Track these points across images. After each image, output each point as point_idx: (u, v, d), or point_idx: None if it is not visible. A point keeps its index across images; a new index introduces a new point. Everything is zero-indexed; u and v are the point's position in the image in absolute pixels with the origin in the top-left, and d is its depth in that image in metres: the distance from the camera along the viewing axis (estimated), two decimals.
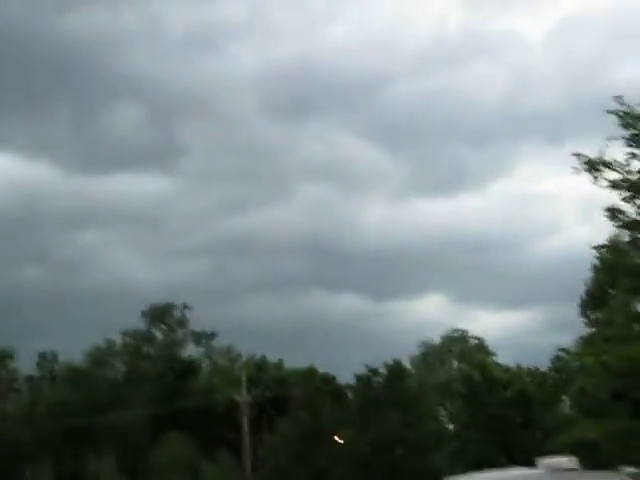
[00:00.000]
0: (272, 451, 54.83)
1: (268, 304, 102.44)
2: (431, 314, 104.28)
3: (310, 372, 64.86)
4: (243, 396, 58.13)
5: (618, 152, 24.67)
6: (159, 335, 75.36)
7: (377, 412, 53.78)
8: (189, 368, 68.52)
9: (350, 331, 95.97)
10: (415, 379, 65.02)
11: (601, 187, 24.38)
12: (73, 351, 72.46)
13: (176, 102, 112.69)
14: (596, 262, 33.79)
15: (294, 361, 70.00)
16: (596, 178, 24.16)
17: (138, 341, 73.41)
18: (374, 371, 57.53)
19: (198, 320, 75.40)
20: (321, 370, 67.12)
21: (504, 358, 67.61)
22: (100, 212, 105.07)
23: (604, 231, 27.46)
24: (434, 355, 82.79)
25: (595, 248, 28.57)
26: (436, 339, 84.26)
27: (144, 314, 74.52)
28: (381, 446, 53.38)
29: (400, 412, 54.10)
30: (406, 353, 75.52)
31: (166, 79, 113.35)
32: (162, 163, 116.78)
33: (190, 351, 75.04)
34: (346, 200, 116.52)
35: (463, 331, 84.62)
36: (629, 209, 25.00)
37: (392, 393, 54.87)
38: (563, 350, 52.98)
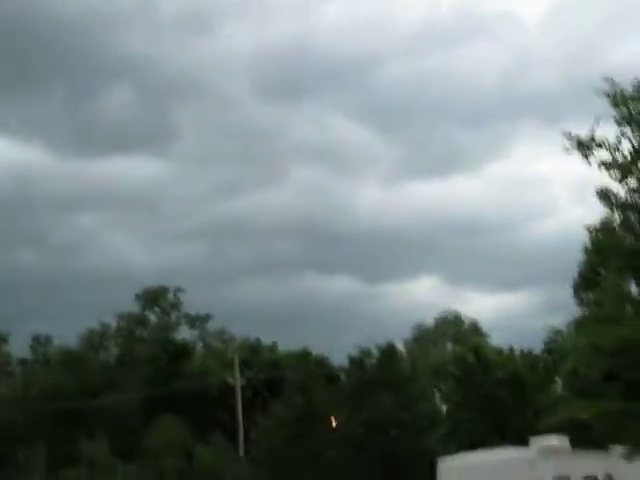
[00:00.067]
0: (265, 434, 54.94)
1: (262, 287, 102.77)
2: (425, 296, 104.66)
3: (304, 355, 64.92)
4: (237, 379, 58.26)
5: (610, 133, 24.59)
6: (153, 318, 75.39)
7: (370, 394, 53.88)
8: (183, 351, 68.61)
9: (344, 313, 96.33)
10: (408, 361, 65.12)
11: (592, 167, 24.31)
12: (67, 334, 72.60)
13: (170, 84, 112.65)
14: (588, 243, 33.75)
15: (288, 343, 70.19)
16: (587, 157, 24.08)
17: (132, 324, 73.43)
18: (367, 353, 57.62)
19: (192, 303, 75.56)
20: (315, 352, 67.21)
21: (498, 340, 67.88)
22: (94, 195, 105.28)
23: (598, 213, 27.42)
24: (427, 337, 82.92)
25: (587, 229, 28.38)
26: (430, 321, 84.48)
27: (138, 297, 74.59)
28: (375, 428, 53.48)
29: (393, 394, 54.20)
30: (400, 335, 75.80)
31: (160, 60, 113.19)
32: (156, 145, 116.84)
33: (184, 334, 75.18)
34: (339, 182, 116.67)
35: (457, 313, 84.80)
36: (620, 190, 24.95)
37: (385, 375, 54.98)
38: (556, 331, 53.12)
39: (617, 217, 26.52)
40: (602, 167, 24.24)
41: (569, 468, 26.14)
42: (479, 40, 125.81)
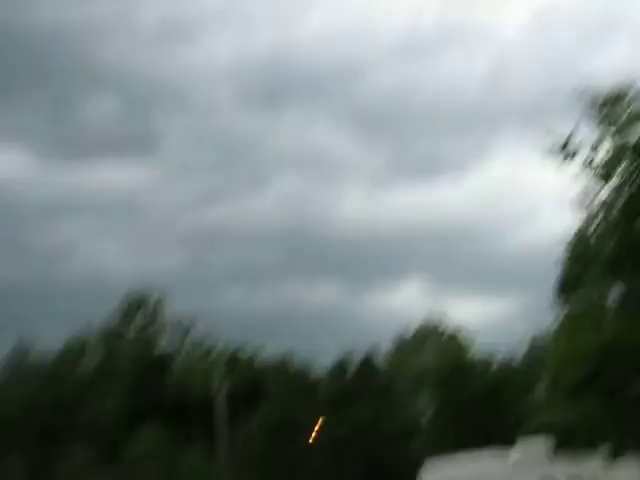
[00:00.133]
0: (246, 442, 54.63)
1: (245, 294, 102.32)
2: (409, 302, 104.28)
3: (285, 362, 64.65)
4: (218, 387, 57.93)
5: (586, 139, 24.65)
6: (135, 325, 74.92)
7: (351, 402, 53.72)
8: (164, 359, 68.19)
9: (327, 320, 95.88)
10: (390, 369, 64.94)
11: (569, 172, 24.36)
12: (48, 343, 72.02)
13: (152, 92, 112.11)
14: (566, 249, 33.72)
15: (271, 351, 69.85)
16: (564, 162, 24.14)
17: (113, 331, 72.96)
18: (347, 361, 57.44)
19: (175, 310, 75.13)
20: (297, 360, 66.96)
21: (481, 345, 67.76)
22: (77, 202, 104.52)
23: (578, 219, 27.38)
24: (411, 342, 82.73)
25: (565, 234, 28.36)
26: (413, 326, 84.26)
27: (120, 304, 74.19)
28: (356, 436, 53.30)
29: (374, 402, 54.06)
30: (384, 341, 75.54)
31: (142, 69, 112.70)
32: (139, 153, 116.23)
33: (166, 341, 74.66)
34: (322, 189, 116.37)
35: (440, 318, 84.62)
36: (601, 192, 24.96)
37: (366, 381, 54.83)
38: (537, 337, 53.07)
39: (596, 221, 26.54)
40: (582, 168, 24.27)
41: (554, 470, 26.00)
42: (461, 49, 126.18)
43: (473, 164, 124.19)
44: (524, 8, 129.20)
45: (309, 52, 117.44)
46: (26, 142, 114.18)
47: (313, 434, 55.11)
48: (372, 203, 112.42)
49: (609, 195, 24.86)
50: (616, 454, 24.83)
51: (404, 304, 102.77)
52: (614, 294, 28.61)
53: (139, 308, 75.40)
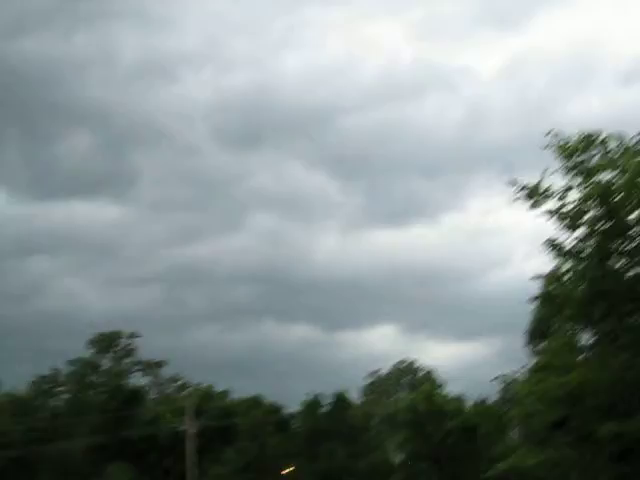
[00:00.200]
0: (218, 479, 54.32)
1: (219, 333, 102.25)
2: (382, 345, 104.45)
3: (256, 402, 64.37)
4: (189, 426, 57.52)
5: (557, 184, 25.05)
6: (105, 364, 74.48)
7: (323, 443, 53.55)
8: (134, 397, 67.66)
9: (301, 361, 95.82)
10: (363, 410, 64.86)
11: (540, 217, 24.74)
12: (18, 380, 71.44)
13: (129, 130, 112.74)
14: (538, 293, 34.05)
15: (244, 391, 69.63)
16: (534, 207, 24.53)
17: (84, 370, 72.41)
18: (318, 402, 57.31)
19: (147, 349, 74.83)
20: (270, 400, 66.69)
21: (454, 389, 67.82)
22: (51, 240, 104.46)
23: (550, 263, 27.69)
24: (383, 385, 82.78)
25: (536, 278, 28.61)
26: (386, 370, 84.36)
27: (91, 342, 73.75)
28: (328, 477, 53.11)
29: (347, 443, 53.95)
30: (356, 383, 75.55)
31: (119, 107, 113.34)
32: (114, 191, 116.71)
33: (137, 380, 74.29)
34: (298, 230, 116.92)
35: (413, 362, 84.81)
36: (566, 239, 25.37)
37: (338, 424, 54.72)
38: (510, 381, 53.20)
39: (567, 266, 26.89)
40: (550, 216, 24.65)
41: None
42: (436, 93, 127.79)
43: (447, 207, 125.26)
44: (500, 53, 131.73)
45: (287, 93, 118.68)
46: (1, 180, 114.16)
47: (286, 471, 54.83)
48: (347, 245, 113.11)
49: (577, 242, 25.24)
50: None
51: (377, 346, 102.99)
52: (584, 339, 28.90)
53: (111, 345, 75.03)
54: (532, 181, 25.11)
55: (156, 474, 58.62)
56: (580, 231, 25.27)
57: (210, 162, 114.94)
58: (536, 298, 32.92)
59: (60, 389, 72.00)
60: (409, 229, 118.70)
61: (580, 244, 25.49)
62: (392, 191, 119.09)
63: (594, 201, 24.29)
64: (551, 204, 24.63)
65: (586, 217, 24.64)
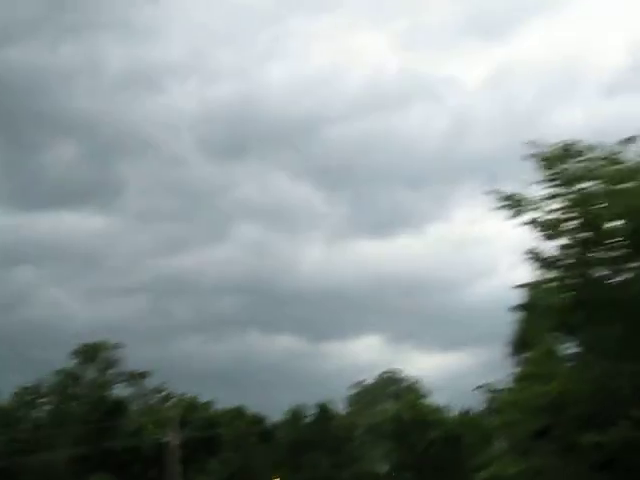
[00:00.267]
0: None
1: (204, 344, 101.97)
2: (367, 355, 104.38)
3: (239, 412, 64.20)
4: (172, 437, 57.35)
5: (538, 194, 25.11)
6: (89, 374, 74.16)
7: (307, 453, 53.43)
8: (117, 408, 67.44)
9: (286, 372, 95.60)
10: (347, 420, 64.73)
11: (520, 226, 24.81)
12: (3, 390, 71.10)
13: (115, 140, 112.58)
14: (520, 302, 34.12)
15: (229, 402, 69.38)
16: (514, 217, 24.61)
17: (67, 380, 72.09)
18: (301, 412, 57.21)
19: (132, 359, 74.56)
20: (254, 411, 66.47)
21: (439, 399, 67.74)
22: (36, 249, 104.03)
23: (534, 273, 27.72)
24: (368, 396, 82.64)
25: (518, 288, 28.64)
26: (371, 380, 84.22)
27: (75, 353, 73.48)
28: None
29: (331, 453, 53.84)
30: (341, 394, 75.38)
31: (105, 117, 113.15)
32: (100, 201, 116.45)
33: (121, 391, 73.99)
34: (283, 241, 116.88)
35: (398, 372, 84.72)
36: (547, 249, 25.44)
37: (321, 434, 54.62)
38: (495, 391, 53.16)
39: (548, 275, 26.95)
40: (531, 226, 24.73)
41: None
42: (422, 103, 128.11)
43: (433, 217, 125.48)
44: (485, 64, 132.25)
45: (272, 104, 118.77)
46: None
47: None
48: (332, 255, 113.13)
49: (558, 252, 25.33)
50: None
51: (362, 356, 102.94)
52: (566, 348, 28.96)
53: (95, 355, 74.73)
54: (513, 191, 25.21)
55: None
56: (560, 240, 25.35)
57: (195, 172, 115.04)
58: (518, 308, 33.07)
59: (43, 400, 71.66)
60: (394, 239, 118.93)
61: (561, 253, 25.57)
62: (377, 201, 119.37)
63: (574, 210, 24.38)
64: (532, 214, 24.70)
65: (566, 226, 24.71)
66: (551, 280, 26.55)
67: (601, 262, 25.35)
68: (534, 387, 26.83)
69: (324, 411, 57.25)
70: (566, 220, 24.69)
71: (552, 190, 24.54)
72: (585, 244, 24.96)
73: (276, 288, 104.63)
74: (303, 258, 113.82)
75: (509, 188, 25.23)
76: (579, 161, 25.08)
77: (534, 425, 26.62)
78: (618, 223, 24.80)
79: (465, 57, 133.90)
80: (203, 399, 70.05)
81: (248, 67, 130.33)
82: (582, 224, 24.57)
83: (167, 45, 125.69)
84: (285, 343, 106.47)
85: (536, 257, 26.20)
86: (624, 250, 25.03)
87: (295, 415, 58.23)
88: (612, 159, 25.20)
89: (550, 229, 24.69)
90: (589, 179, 24.84)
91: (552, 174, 24.37)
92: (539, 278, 27.41)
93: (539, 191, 25.29)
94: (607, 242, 24.89)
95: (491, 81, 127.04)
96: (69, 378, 72.41)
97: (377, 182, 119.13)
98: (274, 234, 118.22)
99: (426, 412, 54.74)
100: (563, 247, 25.50)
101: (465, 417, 55.38)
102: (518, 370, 37.19)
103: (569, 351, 28.77)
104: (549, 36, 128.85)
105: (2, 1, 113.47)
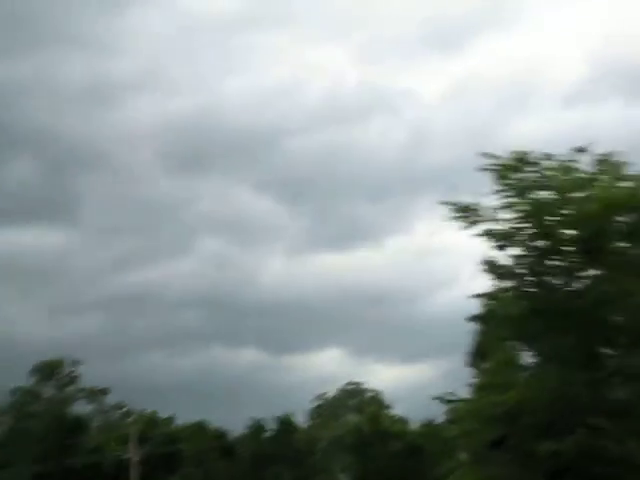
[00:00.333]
0: None
1: (167, 359, 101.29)
2: (330, 368, 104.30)
3: (200, 428, 63.79)
4: (133, 453, 56.86)
5: (493, 204, 25.26)
6: (48, 392, 73.38)
7: (269, 467, 53.21)
8: (77, 425, 66.74)
9: (249, 386, 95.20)
10: (309, 433, 64.56)
11: (475, 236, 24.93)
12: None
13: (73, 155, 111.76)
14: (477, 312, 34.23)
15: (192, 417, 68.92)
16: (468, 227, 24.72)
17: (24, 399, 71.26)
18: (262, 426, 56.98)
19: (94, 376, 73.88)
20: (216, 425, 66.09)
21: (402, 411, 67.74)
22: None
23: (492, 283, 27.81)
24: (330, 408, 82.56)
25: (475, 298, 28.67)
26: (333, 393, 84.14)
27: (33, 371, 72.74)
28: None
29: (293, 467, 53.67)
30: (304, 407, 75.21)
31: (62, 131, 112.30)
32: (58, 217, 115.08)
33: (81, 408, 73.25)
34: (245, 254, 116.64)
35: (360, 384, 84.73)
36: (503, 259, 25.58)
37: (283, 448, 54.43)
38: (450, 401, 53.28)
39: (504, 285, 27.08)
40: (485, 236, 24.85)
41: None
42: (380, 116, 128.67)
43: (392, 230, 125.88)
44: (443, 77, 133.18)
45: (231, 116, 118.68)
46: None
47: None
48: (293, 268, 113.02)
49: (512, 262, 25.47)
50: None
51: (325, 369, 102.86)
52: (524, 357, 29.08)
53: (54, 372, 74.00)
54: (471, 201, 25.33)
55: None
56: (515, 250, 25.51)
57: (156, 187, 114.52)
58: (475, 318, 33.21)
59: (2, 414, 70.79)
60: (355, 251, 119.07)
61: (516, 263, 25.71)
62: (338, 213, 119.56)
63: (528, 220, 24.54)
64: (486, 224, 24.83)
65: (521, 236, 24.86)
66: (507, 290, 26.68)
67: (556, 271, 25.52)
68: (491, 396, 26.89)
69: (285, 424, 57.02)
70: (520, 229, 24.84)
71: (506, 200, 24.68)
72: (540, 253, 25.11)
73: (238, 302, 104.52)
74: (265, 271, 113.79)
75: (468, 199, 25.38)
76: (533, 171, 25.25)
77: (491, 434, 26.67)
78: (572, 232, 24.99)
79: (423, 70, 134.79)
80: (165, 414, 69.67)
81: (208, 80, 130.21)
82: (536, 233, 24.73)
83: (126, 59, 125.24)
84: (248, 356, 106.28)
85: (491, 267, 26.32)
86: (578, 258, 25.23)
87: (256, 429, 57.93)
88: (565, 168, 25.40)
89: (505, 239, 24.81)
90: (543, 188, 25.02)
91: (506, 184, 24.53)
92: (495, 288, 27.52)
93: (494, 201, 25.46)
94: (561, 250, 25.06)
95: (449, 94, 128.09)
96: (27, 396, 71.58)
97: (337, 195, 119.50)
98: (236, 247, 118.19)
99: (387, 424, 54.72)
100: (518, 257, 25.64)
101: (427, 428, 55.41)
102: (477, 380, 37.34)
103: (527, 360, 28.87)
104: (507, 49, 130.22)
105: None
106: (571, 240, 24.94)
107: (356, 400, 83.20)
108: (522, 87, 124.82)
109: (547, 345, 27.10)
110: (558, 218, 24.61)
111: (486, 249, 25.96)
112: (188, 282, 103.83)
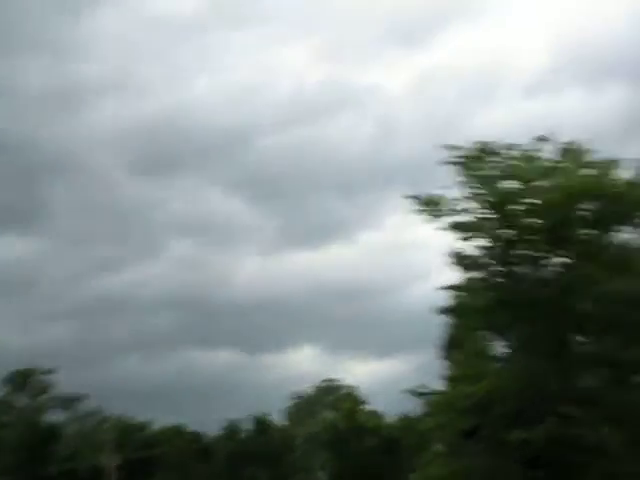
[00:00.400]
0: None
1: (140, 364, 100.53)
2: (306, 366, 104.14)
3: (177, 431, 63.55)
4: (109, 460, 56.56)
5: (457, 195, 25.29)
6: (21, 401, 72.81)
7: (246, 467, 53.11)
8: (52, 433, 66.29)
9: (225, 387, 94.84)
10: (285, 432, 64.45)
11: (440, 229, 24.96)
12: None
13: (39, 161, 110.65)
14: (448, 304, 34.27)
15: (167, 421, 68.60)
16: (433, 220, 24.74)
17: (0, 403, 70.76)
18: (237, 427, 56.87)
19: (68, 383, 73.32)
20: (193, 427, 65.87)
21: (378, 406, 67.75)
22: None
23: (456, 276, 27.84)
24: (306, 406, 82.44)
25: (444, 290, 28.68)
26: (309, 390, 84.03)
27: (5, 381, 72.20)
28: None
29: (270, 466, 53.59)
30: (279, 406, 75.05)
31: (28, 138, 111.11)
32: (26, 224, 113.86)
33: (55, 416, 72.74)
34: (217, 255, 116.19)
35: (335, 381, 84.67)
36: (469, 250, 25.61)
37: (259, 447, 54.35)
38: (423, 393, 53.42)
39: (471, 276, 27.13)
40: (450, 228, 24.87)
41: None
42: (347, 112, 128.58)
43: (364, 225, 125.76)
44: (409, 69, 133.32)
45: (199, 118, 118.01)
46: None
47: None
48: (266, 268, 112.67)
49: (478, 253, 25.50)
50: None
51: (301, 367, 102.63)
52: (495, 347, 29.14)
53: (27, 380, 73.43)
54: (437, 194, 25.34)
55: None
56: (481, 241, 25.54)
57: (125, 190, 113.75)
58: (445, 310, 33.28)
59: None
60: (327, 248, 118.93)
61: (482, 254, 25.76)
62: (309, 211, 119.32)
63: (492, 210, 24.58)
64: (451, 216, 24.85)
65: (486, 226, 24.90)
66: (475, 281, 26.72)
67: (521, 260, 25.57)
68: (463, 388, 26.94)
69: (261, 424, 56.93)
70: (485, 220, 24.87)
71: (471, 191, 24.71)
72: (505, 243, 25.17)
73: (212, 303, 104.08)
74: (237, 271, 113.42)
75: (435, 191, 25.34)
76: (496, 161, 25.30)
77: (463, 425, 26.72)
78: (537, 221, 25.04)
79: (387, 65, 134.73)
80: (142, 419, 69.27)
81: (176, 81, 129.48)
82: (501, 223, 24.77)
83: (93, 61, 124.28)
84: (223, 357, 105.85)
85: (459, 259, 26.36)
86: (544, 247, 25.30)
87: (232, 429, 57.78)
88: (529, 157, 25.48)
89: (470, 230, 24.84)
90: (506, 178, 25.08)
91: (470, 175, 24.55)
92: (464, 279, 27.57)
93: (459, 193, 25.48)
94: (527, 240, 25.11)
95: (414, 87, 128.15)
96: (2, 402, 71.04)
97: (308, 192, 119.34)
98: (208, 248, 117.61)
99: (363, 420, 54.77)
100: (484, 247, 25.69)
101: (402, 421, 55.49)
102: (450, 372, 37.44)
103: (498, 350, 28.93)
104: (469, 41, 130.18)
105: None
106: (536, 229, 24.99)
107: (332, 397, 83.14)
108: (486, 78, 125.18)
109: (517, 335, 27.18)
110: (523, 207, 24.64)
111: (453, 241, 26.01)
112: (161, 285, 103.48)
